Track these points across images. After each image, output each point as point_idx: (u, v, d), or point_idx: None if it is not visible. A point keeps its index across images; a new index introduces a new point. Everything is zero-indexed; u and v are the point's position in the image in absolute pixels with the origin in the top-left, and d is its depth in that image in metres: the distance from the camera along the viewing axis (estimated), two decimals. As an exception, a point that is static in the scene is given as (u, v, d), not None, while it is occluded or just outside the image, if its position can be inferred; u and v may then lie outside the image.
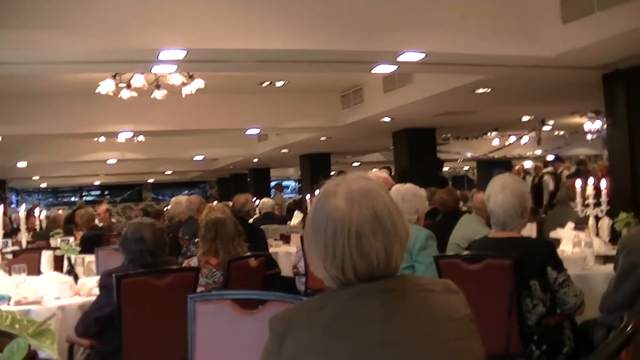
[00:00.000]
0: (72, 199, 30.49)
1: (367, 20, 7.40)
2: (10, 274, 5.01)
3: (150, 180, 29.66)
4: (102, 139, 15.59)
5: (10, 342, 1.59)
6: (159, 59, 7.23)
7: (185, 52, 7.01)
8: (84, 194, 30.74)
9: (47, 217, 12.29)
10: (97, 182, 28.63)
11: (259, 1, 7.11)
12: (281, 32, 7.17)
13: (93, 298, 4.59)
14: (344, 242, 1.70)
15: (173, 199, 8.92)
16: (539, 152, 22.09)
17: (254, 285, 5.30)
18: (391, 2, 7.50)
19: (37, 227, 11.46)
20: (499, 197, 3.92)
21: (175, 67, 8.10)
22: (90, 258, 7.12)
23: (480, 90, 10.45)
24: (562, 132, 20.49)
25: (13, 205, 22.61)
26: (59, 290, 4.86)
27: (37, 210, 12.27)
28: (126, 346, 4.21)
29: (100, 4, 6.61)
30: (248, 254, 5.56)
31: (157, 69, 8.37)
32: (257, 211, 11.65)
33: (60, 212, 15.81)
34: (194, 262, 5.32)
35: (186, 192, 29.98)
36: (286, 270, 8.17)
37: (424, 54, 7.65)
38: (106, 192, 30.91)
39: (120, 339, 4.20)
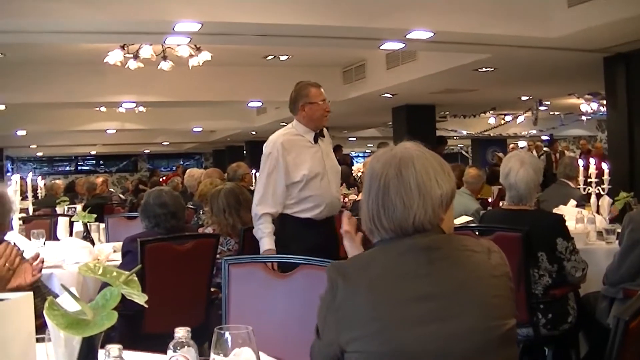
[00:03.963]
0: (67, 168, 30.45)
1: (377, -2, 7.46)
2: (29, 238, 5.16)
3: (146, 151, 29.64)
4: (103, 108, 15.62)
5: (103, 290, 1.75)
6: (174, 31, 7.31)
7: (200, 25, 7.09)
8: (79, 163, 30.62)
9: (45, 185, 12.40)
10: (92, 152, 28.58)
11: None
12: (294, 8, 7.27)
13: (111, 263, 4.69)
14: (375, 195, 1.97)
15: (187, 171, 9.07)
16: (534, 131, 22.22)
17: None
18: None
19: (39, 196, 11.56)
20: (520, 172, 4.06)
21: (188, 39, 8.14)
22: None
23: (483, 69, 10.56)
24: (557, 113, 20.63)
25: (9, 174, 22.62)
26: (78, 255, 4.97)
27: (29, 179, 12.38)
28: (148, 309, 4.33)
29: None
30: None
31: (170, 41, 8.38)
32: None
33: (58, 181, 15.92)
34: (209, 230, 5.46)
35: (181, 162, 30.04)
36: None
37: (432, 33, 7.75)
38: (101, 162, 30.70)
39: (143, 302, 4.31)
